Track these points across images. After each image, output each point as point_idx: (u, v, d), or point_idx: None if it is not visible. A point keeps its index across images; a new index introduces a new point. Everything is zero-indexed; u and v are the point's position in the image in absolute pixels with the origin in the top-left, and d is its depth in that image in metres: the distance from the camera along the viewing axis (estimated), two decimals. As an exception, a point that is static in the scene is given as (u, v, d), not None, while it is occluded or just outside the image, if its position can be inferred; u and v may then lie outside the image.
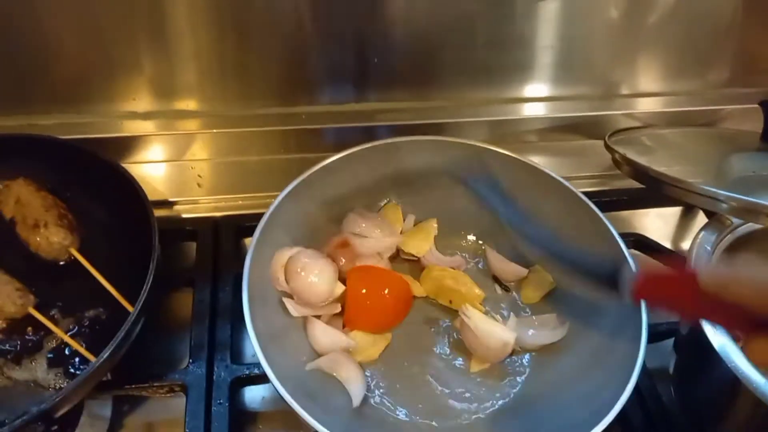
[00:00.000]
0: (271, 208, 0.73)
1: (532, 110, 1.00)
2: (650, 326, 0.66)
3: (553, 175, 0.79)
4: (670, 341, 0.75)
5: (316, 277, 0.71)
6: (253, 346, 0.62)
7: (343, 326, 0.75)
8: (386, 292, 0.75)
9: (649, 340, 0.65)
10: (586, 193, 0.77)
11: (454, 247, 0.84)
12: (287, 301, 0.72)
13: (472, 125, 0.97)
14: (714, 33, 0.96)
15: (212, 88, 0.92)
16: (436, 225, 0.84)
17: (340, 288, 0.73)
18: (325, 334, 0.72)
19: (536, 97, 1.00)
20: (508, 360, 0.74)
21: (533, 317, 0.78)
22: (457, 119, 0.97)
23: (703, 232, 0.69)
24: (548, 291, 0.79)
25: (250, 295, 0.66)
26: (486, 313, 0.77)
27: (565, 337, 0.74)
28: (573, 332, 0.74)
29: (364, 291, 0.74)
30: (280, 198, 0.74)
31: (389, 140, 0.80)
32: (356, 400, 0.68)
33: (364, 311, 0.74)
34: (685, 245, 0.96)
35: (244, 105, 0.94)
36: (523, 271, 0.80)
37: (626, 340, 0.66)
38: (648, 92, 1.02)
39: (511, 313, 0.78)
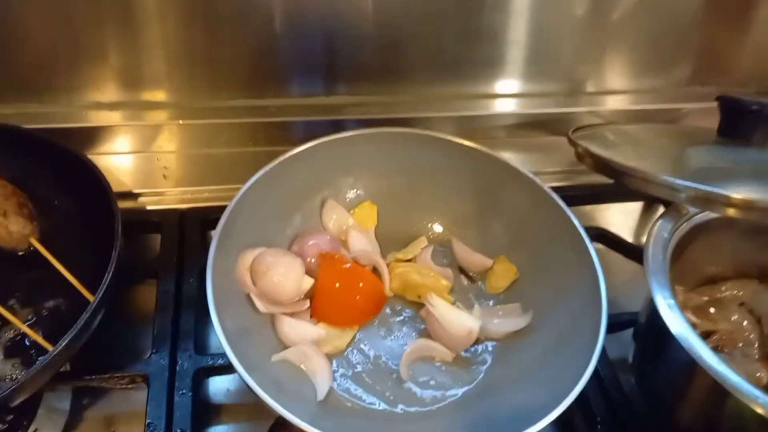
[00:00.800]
0: (235, 199, 0.72)
1: (500, 106, 1.01)
2: (610, 316, 0.67)
3: (520, 168, 0.80)
4: (630, 332, 0.76)
5: (283, 276, 0.70)
6: (218, 338, 0.62)
7: (311, 316, 0.75)
8: (359, 291, 0.74)
9: (609, 330, 0.66)
10: (552, 187, 0.78)
11: (419, 236, 0.85)
12: (254, 298, 0.72)
13: (440, 120, 0.98)
14: (677, 31, 0.98)
15: (180, 79, 0.91)
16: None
17: (308, 282, 0.72)
18: (293, 329, 0.72)
19: (504, 94, 1.01)
20: (473, 348, 0.74)
21: (498, 306, 0.78)
22: (425, 114, 0.97)
23: (660, 221, 0.71)
24: (513, 281, 0.80)
25: (215, 289, 0.65)
26: (454, 303, 0.77)
27: (528, 326, 0.75)
28: (536, 321, 0.75)
29: (336, 285, 0.73)
30: (244, 189, 0.73)
31: (356, 132, 0.81)
32: (321, 394, 0.67)
33: (335, 307, 0.73)
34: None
35: (212, 96, 0.93)
36: (488, 262, 0.81)
37: (587, 329, 0.67)
38: (612, 90, 1.04)
39: (476, 302, 0.79)
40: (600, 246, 0.89)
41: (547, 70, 1.00)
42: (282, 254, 0.72)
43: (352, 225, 0.82)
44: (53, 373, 0.66)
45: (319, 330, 0.72)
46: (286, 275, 0.70)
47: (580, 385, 0.60)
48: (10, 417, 0.63)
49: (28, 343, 0.71)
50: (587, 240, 0.73)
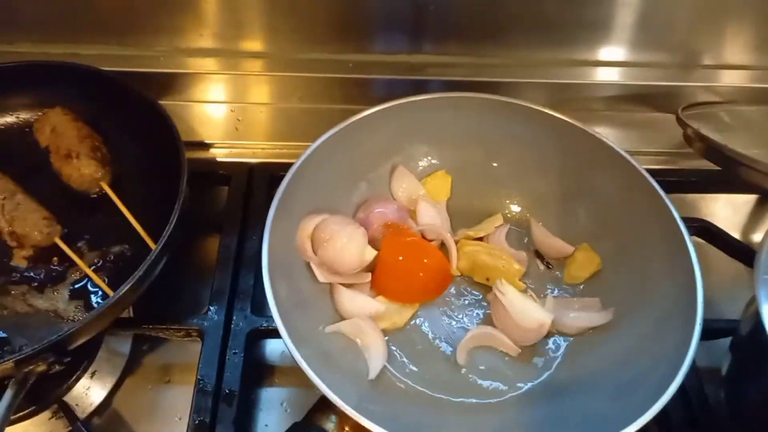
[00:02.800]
0: (300, 159, 0.69)
1: (600, 75, 0.91)
2: (705, 321, 0.59)
3: (614, 146, 0.72)
4: (725, 340, 0.68)
5: (345, 245, 0.67)
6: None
7: (370, 288, 0.71)
8: (423, 267, 0.70)
9: (703, 337, 0.59)
10: (650, 171, 0.70)
11: (494, 213, 0.78)
12: (314, 267, 0.69)
13: (531, 86, 0.90)
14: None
15: (260, 28, 0.88)
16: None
17: (371, 253, 0.69)
18: (351, 301, 0.68)
19: (606, 61, 0.91)
20: (543, 341, 0.68)
21: (574, 299, 0.72)
22: (515, 78, 0.89)
23: (780, 224, 0.61)
24: (594, 272, 0.72)
25: (271, 254, 0.62)
26: (525, 290, 0.71)
27: (607, 324, 0.68)
28: (617, 320, 0.68)
29: (399, 259, 0.69)
30: (310, 150, 0.69)
31: (434, 95, 0.75)
32: (373, 372, 0.64)
33: (396, 281, 0.69)
34: (757, 237, 0.87)
35: (291, 48, 0.89)
36: (569, 249, 0.74)
37: (676, 335, 0.60)
38: (732, 64, 0.91)
39: (550, 292, 0.72)
40: (700, 241, 0.80)
41: (659, 38, 0.89)
42: (346, 222, 0.69)
43: (422, 195, 0.76)
44: (112, 319, 0.66)
45: (378, 305, 0.69)
46: (348, 245, 0.67)
47: (661, 401, 0.53)
48: (67, 359, 0.64)
49: (90, 287, 0.72)
50: (686, 233, 0.65)
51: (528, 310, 0.65)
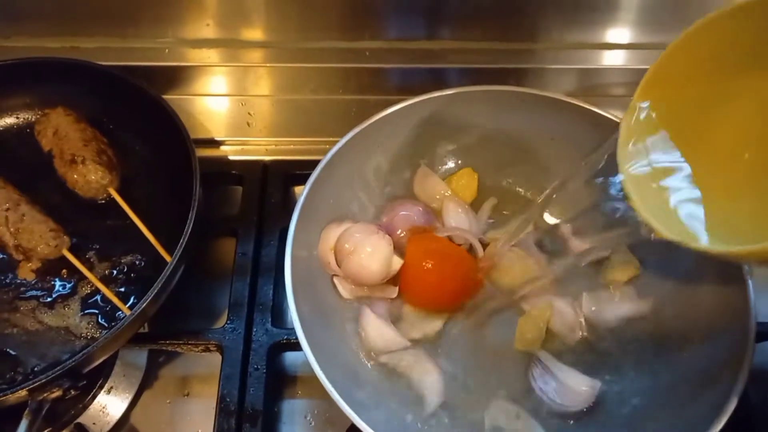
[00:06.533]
0: (319, 167, 0.64)
1: (630, 59, 0.86)
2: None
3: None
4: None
5: (370, 255, 0.63)
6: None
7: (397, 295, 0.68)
8: (450, 273, 0.66)
9: (757, 338, 0.56)
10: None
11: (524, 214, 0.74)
12: (338, 281, 0.65)
13: (558, 72, 0.85)
14: None
15: (269, 16, 0.83)
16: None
17: (397, 263, 0.65)
18: (379, 333, 0.64)
19: (636, 44, 0.86)
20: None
21: (612, 292, 0.68)
22: (541, 65, 0.85)
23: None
24: (632, 276, 0.68)
25: (294, 272, 0.59)
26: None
27: (649, 335, 0.64)
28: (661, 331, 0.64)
29: (425, 266, 0.65)
30: (328, 156, 0.65)
31: (460, 89, 0.69)
32: (430, 405, 0.61)
33: (422, 289, 0.66)
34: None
35: (302, 37, 0.85)
36: (605, 251, 0.70)
37: (726, 349, 0.56)
38: None
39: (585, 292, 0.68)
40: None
41: (695, 16, 0.83)
42: (369, 231, 0.65)
43: (448, 196, 0.72)
44: (129, 336, 0.63)
45: (405, 342, 0.64)
46: (373, 255, 0.63)
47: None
48: (83, 383, 0.61)
49: (102, 300, 0.68)
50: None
51: (573, 382, 0.62)
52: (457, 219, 0.71)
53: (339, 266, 0.64)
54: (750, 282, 0.58)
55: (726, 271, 0.60)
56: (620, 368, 0.64)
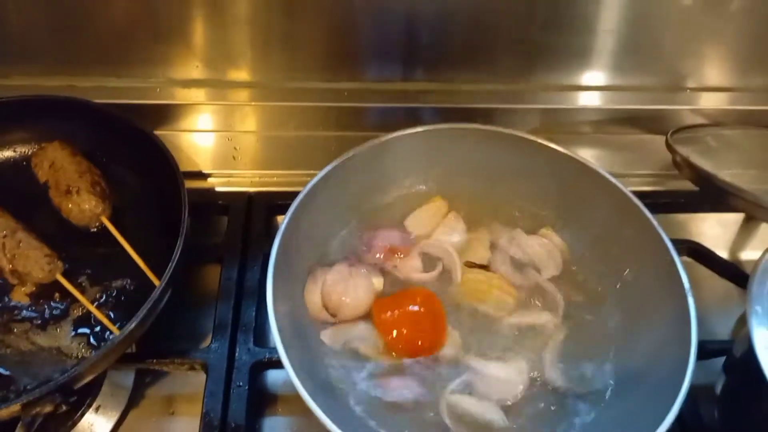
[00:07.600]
0: (301, 194, 0.69)
1: (589, 100, 0.94)
2: (699, 342, 0.61)
3: (600, 170, 0.73)
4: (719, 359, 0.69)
5: (356, 295, 0.69)
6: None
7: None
8: (420, 330, 0.69)
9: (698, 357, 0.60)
10: (640, 193, 0.71)
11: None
12: (325, 336, 0.69)
13: (523, 112, 0.92)
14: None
15: (254, 59, 0.89)
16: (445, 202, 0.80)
17: (379, 283, 0.71)
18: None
19: (595, 86, 0.93)
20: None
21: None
22: (508, 105, 0.91)
23: (771, 251, 0.63)
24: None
25: (275, 294, 0.63)
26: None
27: (603, 351, 0.69)
28: (610, 347, 0.69)
29: (395, 335, 0.68)
30: (310, 185, 0.70)
31: (430, 126, 0.76)
32: None
33: (402, 350, 0.68)
34: (745, 256, 0.89)
35: (285, 77, 0.91)
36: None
37: (670, 362, 0.61)
38: (717, 87, 0.94)
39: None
40: (688, 260, 0.82)
41: (645, 62, 0.92)
42: (348, 273, 0.70)
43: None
44: (118, 356, 0.66)
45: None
46: (357, 295, 0.69)
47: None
48: (73, 399, 0.64)
49: (93, 322, 0.72)
50: (675, 255, 0.66)
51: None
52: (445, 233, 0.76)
53: (334, 315, 0.69)
54: (692, 301, 0.63)
55: (670, 290, 0.65)
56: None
